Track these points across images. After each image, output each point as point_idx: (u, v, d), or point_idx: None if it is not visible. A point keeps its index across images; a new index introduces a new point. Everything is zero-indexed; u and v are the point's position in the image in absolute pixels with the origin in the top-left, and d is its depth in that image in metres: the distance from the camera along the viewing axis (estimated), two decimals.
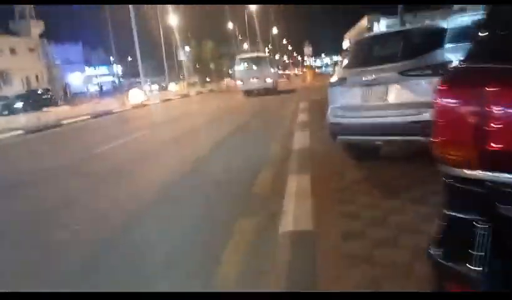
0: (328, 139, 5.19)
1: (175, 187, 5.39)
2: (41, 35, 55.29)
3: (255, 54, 26.69)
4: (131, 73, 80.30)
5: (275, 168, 5.60)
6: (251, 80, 22.98)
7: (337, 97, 4.84)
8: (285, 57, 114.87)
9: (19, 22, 51.64)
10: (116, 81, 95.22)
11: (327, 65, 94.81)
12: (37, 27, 53.27)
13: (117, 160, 7.96)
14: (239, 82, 23.86)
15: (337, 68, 14.96)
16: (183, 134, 11.02)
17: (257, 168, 5.67)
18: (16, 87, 47.10)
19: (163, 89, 48.27)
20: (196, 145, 8.82)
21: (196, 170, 6.34)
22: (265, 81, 22.93)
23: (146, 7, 48.44)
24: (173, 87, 45.68)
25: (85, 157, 8.76)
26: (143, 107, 23.06)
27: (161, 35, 48.15)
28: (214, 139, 9.00)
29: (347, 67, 5.03)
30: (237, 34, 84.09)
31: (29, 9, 52.22)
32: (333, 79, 5.03)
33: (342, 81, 4.78)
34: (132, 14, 28.58)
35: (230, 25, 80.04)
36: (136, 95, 24.79)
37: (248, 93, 23.14)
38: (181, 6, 53.64)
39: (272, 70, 24.88)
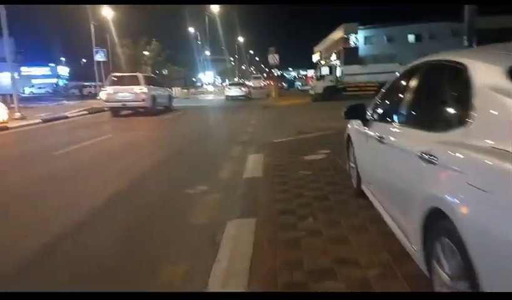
0: None
1: None
2: None
3: None
4: (83, 76, 69.04)
5: None
6: None
7: None
8: (252, 68, 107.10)
9: None
10: (61, 84, 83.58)
11: (294, 79, 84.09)
12: None
13: None
14: None
15: None
16: None
17: None
18: None
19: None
20: None
21: None
22: None
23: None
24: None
25: None
26: None
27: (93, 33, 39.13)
28: None
29: None
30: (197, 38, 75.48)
31: None
32: None
33: None
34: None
35: (189, 28, 71.37)
36: None
37: None
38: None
39: None
